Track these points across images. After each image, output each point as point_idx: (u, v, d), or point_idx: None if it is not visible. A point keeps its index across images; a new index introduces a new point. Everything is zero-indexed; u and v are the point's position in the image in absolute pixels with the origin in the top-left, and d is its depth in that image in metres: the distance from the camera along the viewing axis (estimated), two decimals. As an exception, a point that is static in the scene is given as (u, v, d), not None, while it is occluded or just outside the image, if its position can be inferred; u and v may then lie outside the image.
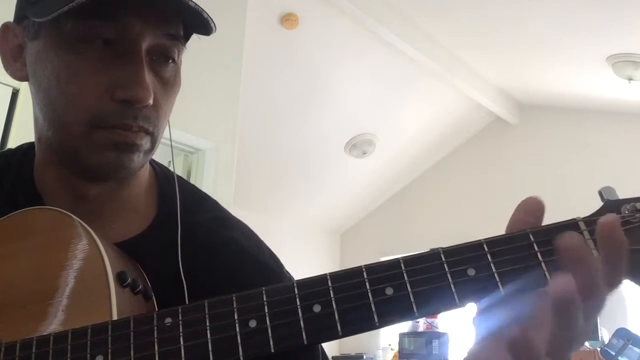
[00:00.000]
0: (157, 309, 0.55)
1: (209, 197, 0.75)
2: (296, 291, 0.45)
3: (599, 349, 3.37)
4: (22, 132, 2.11)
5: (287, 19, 3.53)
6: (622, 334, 3.07)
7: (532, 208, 0.45)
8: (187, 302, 0.59)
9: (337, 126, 4.67)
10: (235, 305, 0.45)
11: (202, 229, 0.67)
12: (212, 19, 0.59)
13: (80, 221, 0.56)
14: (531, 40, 3.69)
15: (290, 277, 0.69)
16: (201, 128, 2.77)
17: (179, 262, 0.63)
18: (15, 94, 2.21)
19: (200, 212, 0.70)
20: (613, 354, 3.01)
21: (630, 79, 3.65)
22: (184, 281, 0.61)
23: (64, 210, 0.57)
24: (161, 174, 0.72)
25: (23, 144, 0.74)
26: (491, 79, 4.52)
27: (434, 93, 4.55)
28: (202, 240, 0.66)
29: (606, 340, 3.38)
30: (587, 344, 3.78)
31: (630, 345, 2.98)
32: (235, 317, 0.45)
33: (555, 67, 3.99)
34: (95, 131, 0.57)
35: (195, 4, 0.57)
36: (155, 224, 0.67)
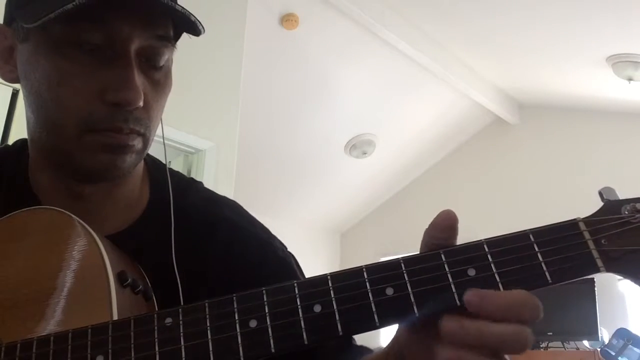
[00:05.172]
0: (157, 309, 0.55)
1: (196, 180, 0.77)
2: (297, 291, 0.45)
3: (599, 349, 3.36)
4: (22, 132, 2.09)
5: (287, 19, 3.53)
6: (622, 334, 3.07)
7: (442, 225, 0.46)
8: (179, 288, 0.60)
9: (337, 126, 4.67)
10: (235, 306, 0.45)
11: (194, 210, 0.69)
12: (199, 22, 0.59)
13: (80, 221, 0.56)
14: (531, 40, 3.69)
15: (283, 249, 0.72)
16: (201, 128, 2.77)
17: (172, 246, 0.64)
18: (15, 94, 2.21)
19: (191, 195, 0.71)
20: (613, 354, 3.01)
21: (630, 79, 3.64)
22: (176, 270, 0.62)
23: (63, 210, 0.58)
24: (151, 163, 0.73)
25: (17, 141, 0.74)
26: (491, 79, 4.52)
27: (434, 93, 4.55)
28: (195, 221, 0.68)
29: (606, 340, 3.38)
30: (587, 344, 3.78)
31: (630, 346, 2.98)
32: (236, 317, 0.45)
33: (555, 67, 3.99)
34: (87, 134, 0.57)
35: (182, 7, 0.57)
36: (148, 210, 0.68)
